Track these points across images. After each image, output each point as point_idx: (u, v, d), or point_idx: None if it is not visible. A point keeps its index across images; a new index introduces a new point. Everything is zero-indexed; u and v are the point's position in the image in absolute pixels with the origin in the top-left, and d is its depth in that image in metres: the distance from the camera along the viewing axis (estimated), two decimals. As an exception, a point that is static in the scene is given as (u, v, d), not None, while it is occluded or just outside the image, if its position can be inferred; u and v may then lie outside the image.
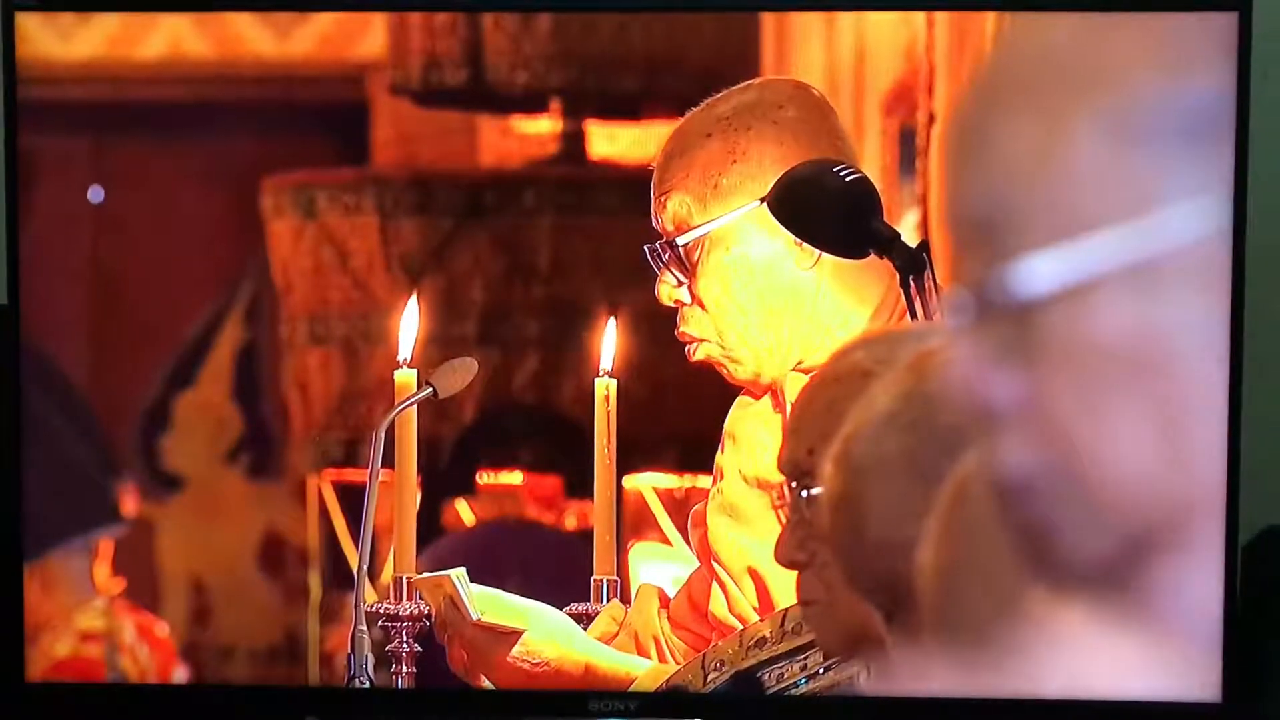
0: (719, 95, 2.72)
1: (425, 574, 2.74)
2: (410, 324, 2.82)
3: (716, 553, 2.73)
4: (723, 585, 2.72)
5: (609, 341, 2.82)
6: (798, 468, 1.87)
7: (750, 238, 2.70)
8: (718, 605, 2.72)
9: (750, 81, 2.76)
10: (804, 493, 1.85)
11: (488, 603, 2.74)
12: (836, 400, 1.80)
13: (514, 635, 2.72)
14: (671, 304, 2.73)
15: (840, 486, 1.70)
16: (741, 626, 2.69)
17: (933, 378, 1.63)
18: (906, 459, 1.61)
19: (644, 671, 2.74)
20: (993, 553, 1.17)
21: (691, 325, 2.73)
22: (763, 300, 2.70)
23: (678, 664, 2.74)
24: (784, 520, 1.94)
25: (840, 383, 1.82)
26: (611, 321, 2.83)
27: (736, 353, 2.71)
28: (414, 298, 2.85)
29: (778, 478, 2.69)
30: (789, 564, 1.92)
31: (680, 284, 2.72)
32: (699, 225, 2.70)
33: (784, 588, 2.67)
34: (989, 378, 1.09)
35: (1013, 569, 1.14)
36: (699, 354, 2.72)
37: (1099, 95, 1.08)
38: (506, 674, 2.73)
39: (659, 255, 2.72)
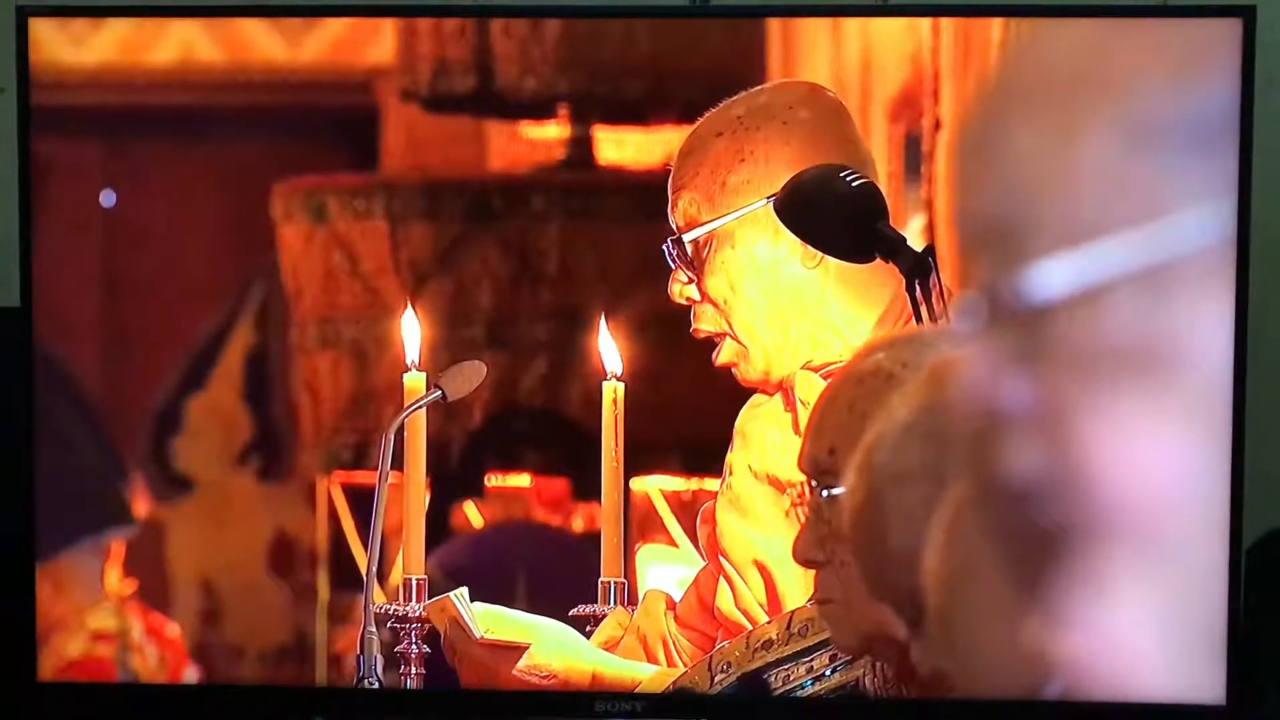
0: (736, 96, 2.75)
1: (428, 600, 2.76)
2: (410, 331, 2.84)
3: (724, 548, 2.74)
4: (729, 581, 2.73)
5: (606, 343, 2.84)
6: (818, 466, 1.86)
7: (757, 236, 2.72)
8: (724, 601, 2.73)
9: (767, 84, 2.79)
10: (824, 492, 1.85)
11: (492, 620, 2.75)
12: (859, 400, 1.80)
13: (520, 650, 2.73)
14: (683, 301, 2.76)
15: (861, 496, 1.70)
16: (747, 622, 2.70)
17: (950, 387, 1.64)
18: (926, 469, 1.61)
19: (649, 676, 2.76)
20: (997, 556, 1.18)
21: (705, 322, 2.75)
22: (769, 298, 2.73)
23: (685, 666, 2.75)
24: (803, 518, 1.95)
25: (864, 383, 1.82)
26: (602, 323, 2.85)
27: (749, 350, 2.73)
28: (409, 308, 2.86)
29: (787, 475, 2.71)
30: (806, 563, 1.92)
31: (690, 281, 2.75)
32: (706, 223, 2.73)
33: (791, 582, 2.69)
34: (998, 381, 1.11)
35: (1016, 573, 1.15)
36: (721, 358, 2.75)
37: (1105, 102, 1.09)
38: (516, 688, 2.74)
39: (671, 252, 2.75)
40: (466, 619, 2.73)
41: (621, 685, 2.75)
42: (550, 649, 2.75)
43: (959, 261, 1.15)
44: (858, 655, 2.39)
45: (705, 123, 2.75)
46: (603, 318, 2.86)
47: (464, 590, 2.75)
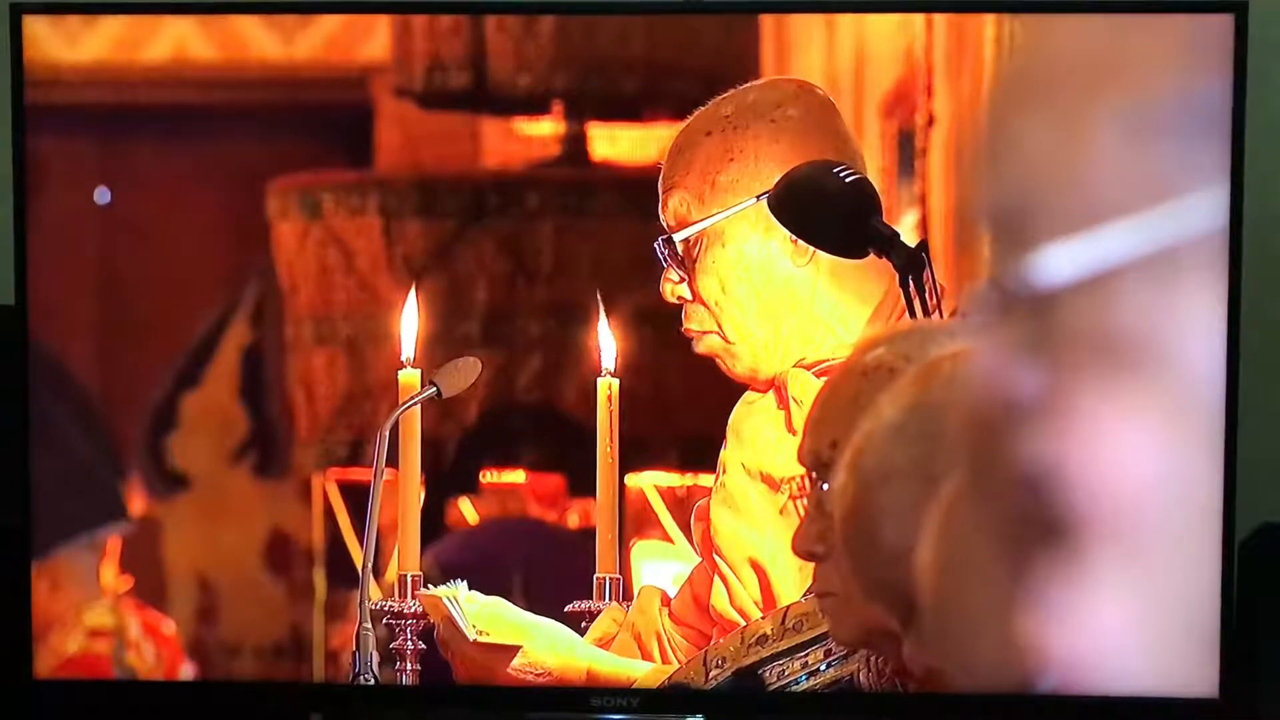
0: (725, 95, 2.75)
1: (423, 591, 2.76)
2: (410, 321, 2.84)
3: (718, 546, 2.74)
4: (724, 579, 2.74)
5: (605, 337, 2.84)
6: (819, 460, 1.87)
7: (747, 235, 2.73)
8: (719, 599, 2.73)
9: (756, 81, 2.79)
10: (824, 485, 1.86)
11: (487, 618, 2.76)
12: (862, 394, 1.80)
13: (513, 650, 2.74)
14: (675, 300, 2.76)
15: (851, 496, 1.70)
16: (743, 620, 2.70)
17: (939, 386, 1.64)
18: (916, 468, 1.62)
19: (645, 674, 2.76)
20: (989, 551, 1.18)
21: (694, 321, 2.76)
22: (759, 296, 2.73)
23: (679, 662, 2.75)
24: (803, 512, 1.95)
25: (866, 377, 1.82)
26: (603, 319, 2.85)
27: (735, 347, 2.74)
28: (413, 294, 2.87)
29: (780, 473, 2.71)
30: (806, 556, 1.92)
31: (682, 280, 2.75)
32: (696, 222, 2.73)
33: (786, 580, 2.69)
34: (992, 377, 1.11)
35: (1009, 567, 1.15)
36: (702, 346, 2.76)
37: (1101, 97, 1.09)
38: (512, 684, 2.75)
39: (662, 251, 2.76)
40: (459, 620, 2.73)
41: (616, 683, 2.76)
42: (544, 647, 2.75)
43: (964, 252, 1.15)
44: (856, 648, 2.39)
45: (695, 121, 2.75)
46: (602, 312, 2.86)
47: (458, 589, 2.75)
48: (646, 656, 2.79)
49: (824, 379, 2.65)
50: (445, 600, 2.73)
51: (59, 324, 3.02)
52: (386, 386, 2.91)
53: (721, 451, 2.77)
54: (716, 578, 2.74)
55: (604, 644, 2.79)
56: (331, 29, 3.10)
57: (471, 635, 2.73)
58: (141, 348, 3.16)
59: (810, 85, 2.78)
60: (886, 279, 2.65)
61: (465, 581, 2.77)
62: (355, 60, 3.15)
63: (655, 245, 2.76)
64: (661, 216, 2.76)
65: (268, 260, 3.11)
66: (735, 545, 2.73)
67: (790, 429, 2.70)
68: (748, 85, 2.77)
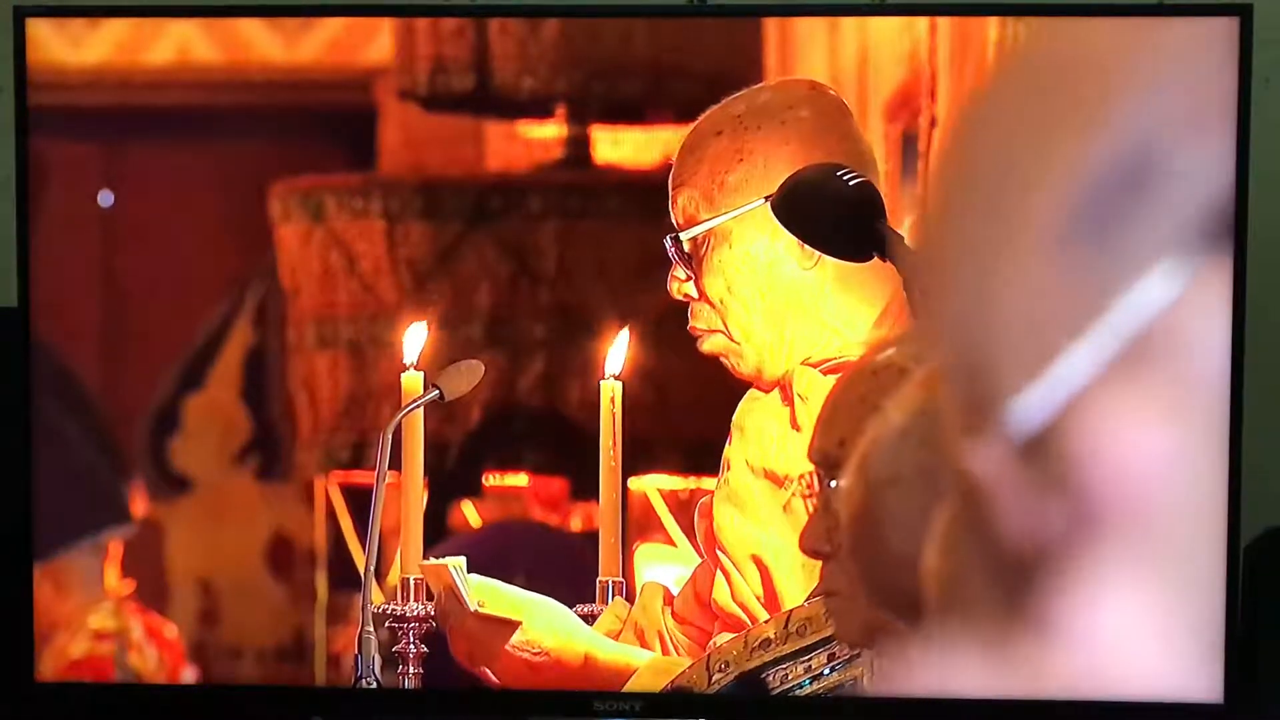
0: (738, 94, 2.76)
1: (427, 561, 2.77)
2: (418, 337, 2.85)
3: (722, 542, 2.74)
4: (726, 574, 2.74)
5: (620, 349, 2.84)
6: (828, 458, 1.87)
7: (754, 236, 2.73)
8: (720, 593, 2.74)
9: (768, 82, 2.80)
10: (832, 483, 1.86)
11: (487, 593, 2.76)
12: (871, 393, 1.80)
13: (512, 625, 2.74)
14: (681, 298, 2.77)
15: (859, 500, 1.70)
16: (744, 615, 2.70)
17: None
18: (922, 474, 1.62)
19: (644, 663, 2.76)
20: (992, 555, 1.18)
21: (700, 320, 2.76)
22: (765, 297, 2.73)
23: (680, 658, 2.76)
24: (811, 509, 1.95)
25: (876, 377, 1.82)
26: (624, 331, 2.85)
27: (741, 347, 2.74)
28: (424, 318, 2.87)
29: (784, 469, 2.72)
30: (813, 554, 1.92)
31: (689, 278, 2.76)
32: (704, 221, 2.73)
33: (788, 577, 2.69)
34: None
35: (1012, 571, 1.15)
36: (707, 345, 2.76)
37: (1103, 100, 1.09)
38: (507, 663, 2.75)
39: (671, 249, 2.77)
40: (461, 589, 2.74)
41: (614, 668, 2.76)
42: (543, 626, 2.75)
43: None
44: (861, 647, 2.39)
45: (706, 120, 2.76)
46: (627, 328, 2.86)
47: (462, 560, 2.76)
48: (649, 654, 2.79)
49: (830, 376, 2.65)
50: (451, 569, 2.73)
51: (62, 326, 3.02)
52: (389, 389, 2.91)
53: (725, 448, 2.77)
54: (718, 572, 2.74)
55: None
56: (335, 31, 3.10)
57: (473, 606, 2.73)
58: (144, 350, 3.16)
59: (823, 86, 2.79)
60: (893, 281, 2.65)
61: (464, 559, 2.77)
62: (358, 63, 3.15)
63: (665, 242, 2.76)
64: (671, 214, 2.77)
65: (270, 262, 3.11)
66: (738, 541, 2.73)
67: (795, 425, 2.70)
68: (761, 85, 2.78)
